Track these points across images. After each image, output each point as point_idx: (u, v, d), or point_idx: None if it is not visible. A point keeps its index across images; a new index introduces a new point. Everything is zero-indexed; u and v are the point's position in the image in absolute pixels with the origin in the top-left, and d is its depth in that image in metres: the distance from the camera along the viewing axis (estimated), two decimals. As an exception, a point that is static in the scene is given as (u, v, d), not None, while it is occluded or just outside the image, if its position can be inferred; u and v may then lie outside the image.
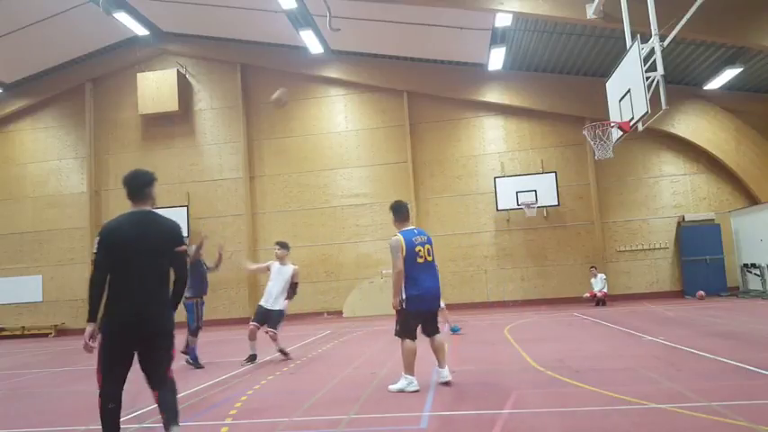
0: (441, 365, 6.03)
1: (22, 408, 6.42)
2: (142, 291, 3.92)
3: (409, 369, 5.85)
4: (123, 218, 4.09)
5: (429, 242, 6.13)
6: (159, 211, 4.32)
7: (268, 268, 8.92)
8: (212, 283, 21.41)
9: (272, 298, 8.70)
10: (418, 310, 5.94)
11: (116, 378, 3.89)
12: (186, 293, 8.74)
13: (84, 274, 20.13)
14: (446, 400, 5.33)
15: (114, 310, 3.89)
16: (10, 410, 6.30)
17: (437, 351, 6.05)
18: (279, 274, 8.80)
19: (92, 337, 3.91)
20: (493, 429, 4.20)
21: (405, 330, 5.92)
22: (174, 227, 4.25)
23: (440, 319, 9.77)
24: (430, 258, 6.05)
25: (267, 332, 8.59)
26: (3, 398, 7.19)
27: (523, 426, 4.30)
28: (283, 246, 9.03)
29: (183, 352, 8.64)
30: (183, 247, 4.19)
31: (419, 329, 6.02)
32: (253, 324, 8.69)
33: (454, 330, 10.63)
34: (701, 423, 4.05)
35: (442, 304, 9.80)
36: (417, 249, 5.98)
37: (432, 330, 6.07)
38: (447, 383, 5.90)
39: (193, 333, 8.89)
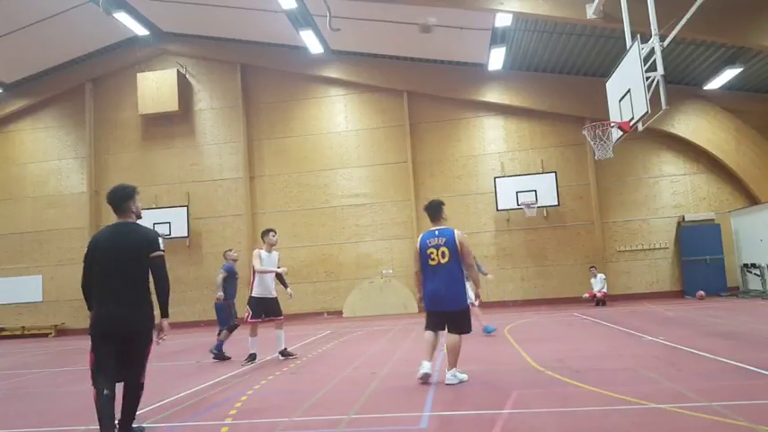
0: (447, 367, 6.08)
1: (22, 408, 6.42)
2: (117, 294, 4.36)
3: (424, 354, 6.12)
4: (106, 229, 4.63)
5: (447, 244, 6.04)
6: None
7: (260, 258, 8.82)
8: (212, 283, 21.42)
9: (270, 287, 8.81)
10: (431, 311, 6.18)
11: (107, 373, 4.26)
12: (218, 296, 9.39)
13: (84, 274, 20.17)
14: (446, 400, 5.33)
15: (95, 312, 4.40)
16: (10, 410, 6.30)
17: (447, 350, 6.16)
18: (270, 261, 8.85)
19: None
20: (493, 429, 4.20)
21: (426, 322, 6.29)
22: (149, 235, 4.60)
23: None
24: (444, 261, 6.02)
25: (276, 320, 8.76)
26: (3, 398, 7.19)
27: (523, 426, 4.29)
28: (276, 232, 9.14)
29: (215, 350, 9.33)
30: (158, 253, 4.53)
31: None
32: (254, 320, 8.69)
33: (487, 330, 10.14)
34: (701, 423, 4.05)
35: (476, 302, 9.64)
36: (429, 252, 6.10)
37: (450, 328, 6.13)
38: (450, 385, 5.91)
39: (229, 329, 9.37)
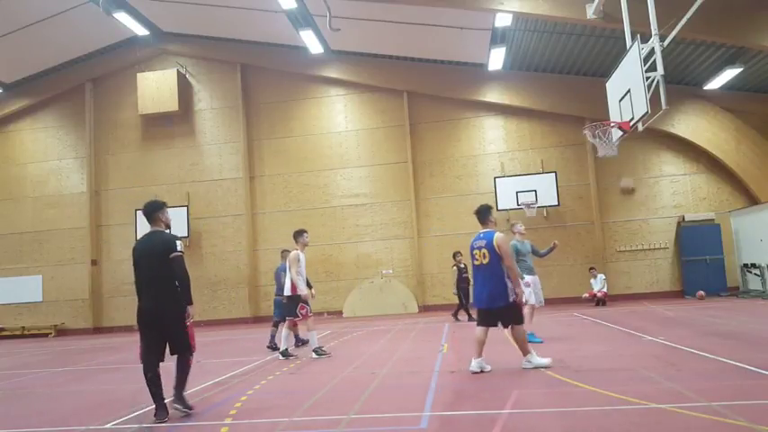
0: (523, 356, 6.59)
1: (22, 408, 6.42)
2: (147, 290, 5.25)
3: (474, 353, 6.52)
4: (142, 237, 5.49)
5: (487, 246, 6.54)
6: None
7: (299, 259, 9.10)
8: (212, 283, 21.40)
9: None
10: (479, 308, 6.77)
11: (150, 354, 5.19)
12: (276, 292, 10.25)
13: (84, 274, 20.17)
14: (446, 400, 5.33)
15: (138, 306, 5.29)
16: (10, 410, 6.30)
17: (514, 343, 6.69)
18: (304, 261, 9.21)
19: None
20: (493, 429, 4.20)
21: (477, 319, 6.84)
22: (168, 240, 5.33)
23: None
24: (485, 261, 6.55)
25: (294, 319, 9.19)
26: (3, 398, 7.19)
27: (523, 426, 4.30)
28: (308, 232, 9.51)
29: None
30: (175, 255, 5.23)
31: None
32: (311, 314, 9.05)
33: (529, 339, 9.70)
34: (701, 423, 4.05)
35: (535, 302, 9.26)
36: (474, 253, 6.72)
37: (504, 324, 6.59)
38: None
39: (275, 324, 10.23)
